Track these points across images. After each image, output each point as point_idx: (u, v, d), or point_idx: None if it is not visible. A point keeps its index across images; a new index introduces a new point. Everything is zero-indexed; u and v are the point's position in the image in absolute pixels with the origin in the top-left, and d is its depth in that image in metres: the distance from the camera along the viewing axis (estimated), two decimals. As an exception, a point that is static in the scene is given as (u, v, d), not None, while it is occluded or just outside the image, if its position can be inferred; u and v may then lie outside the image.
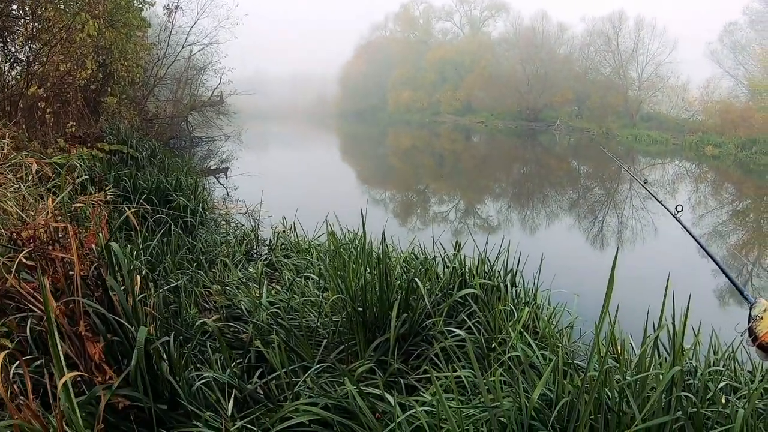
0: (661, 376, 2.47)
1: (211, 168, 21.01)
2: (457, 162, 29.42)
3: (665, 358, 3.24)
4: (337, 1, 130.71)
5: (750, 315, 1.23)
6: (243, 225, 9.09)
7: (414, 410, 2.64)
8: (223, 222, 9.66)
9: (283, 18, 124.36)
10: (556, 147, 38.70)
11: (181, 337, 4.07)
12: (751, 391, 2.71)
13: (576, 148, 37.64)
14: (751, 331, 1.21)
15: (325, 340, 3.85)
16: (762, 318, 1.22)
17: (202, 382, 3.23)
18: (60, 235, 3.18)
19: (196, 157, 22.58)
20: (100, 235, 3.39)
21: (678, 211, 2.05)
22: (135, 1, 14.22)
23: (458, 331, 3.48)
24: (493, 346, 3.45)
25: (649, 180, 22.69)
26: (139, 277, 3.62)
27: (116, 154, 12.39)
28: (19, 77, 10.67)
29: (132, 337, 2.94)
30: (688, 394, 2.47)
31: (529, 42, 58.21)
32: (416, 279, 3.80)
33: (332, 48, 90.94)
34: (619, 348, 3.17)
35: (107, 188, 6.59)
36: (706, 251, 1.84)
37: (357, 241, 5.23)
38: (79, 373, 2.57)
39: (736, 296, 7.16)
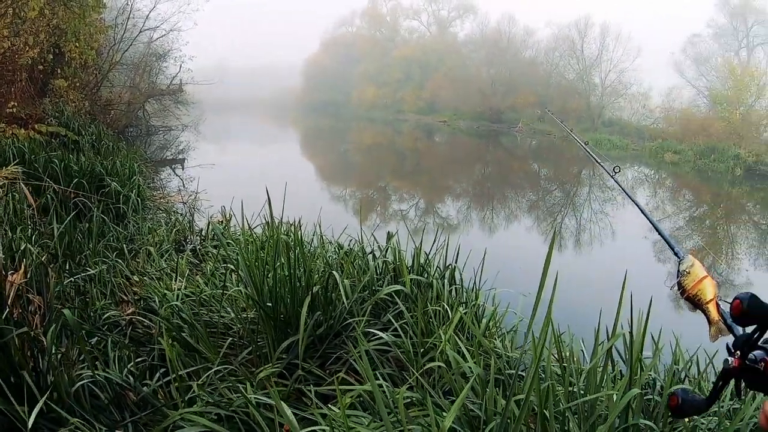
0: (614, 397, 2.09)
1: (168, 158, 20.37)
2: (420, 161, 29.12)
3: (620, 371, 2.85)
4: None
5: (678, 270, 1.17)
6: (181, 214, 8.59)
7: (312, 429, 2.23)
8: (162, 211, 9.13)
9: (250, 9, 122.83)
10: (518, 149, 38.66)
11: (82, 331, 3.65)
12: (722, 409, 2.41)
13: (537, 150, 37.66)
14: (680, 285, 1.17)
15: (230, 339, 3.37)
16: (689, 272, 1.28)
17: (89, 381, 2.81)
18: None
19: (152, 147, 21.94)
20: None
21: (615, 172, 1.94)
22: (91, -20, 13.57)
23: (380, 334, 3.06)
24: (420, 351, 3.01)
25: (608, 184, 22.71)
26: (23, 263, 3.20)
27: (57, 137, 11.82)
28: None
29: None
30: (647, 422, 2.10)
31: (494, 44, 58.27)
32: (335, 273, 3.34)
33: (298, 41, 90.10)
34: (567, 356, 2.80)
35: (10, 166, 6.00)
36: (641, 209, 1.71)
37: (288, 232, 4.76)
38: None
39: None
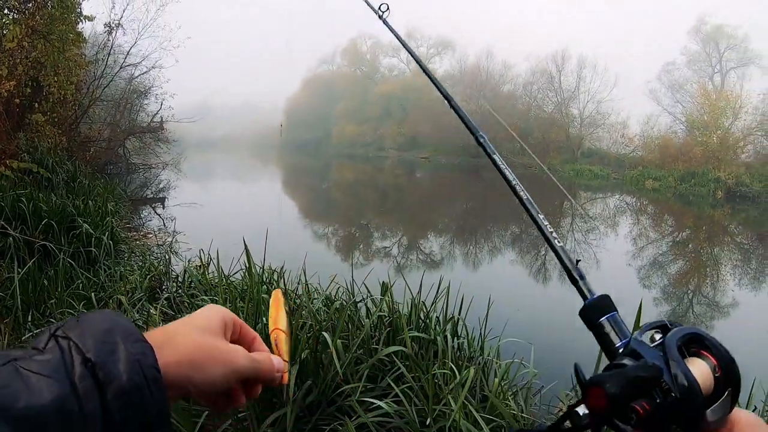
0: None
1: (148, 197, 19.87)
2: (401, 197, 28.84)
3: None
4: (288, 34, 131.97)
5: None
6: (156, 258, 8.10)
7: None
8: (136, 254, 8.63)
9: (234, 49, 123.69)
10: (499, 182, 38.47)
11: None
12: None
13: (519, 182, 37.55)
14: None
15: (207, 410, 2.87)
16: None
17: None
18: None
19: (132, 185, 21.46)
20: None
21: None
22: (72, 14, 13.23)
23: (380, 403, 2.64)
24: (428, 422, 2.58)
25: (591, 213, 22.68)
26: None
27: (29, 175, 11.36)
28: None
29: None
30: None
31: (473, 79, 58.80)
32: (325, 334, 2.90)
33: (281, 80, 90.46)
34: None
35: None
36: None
37: (269, 280, 4.34)
38: None
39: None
